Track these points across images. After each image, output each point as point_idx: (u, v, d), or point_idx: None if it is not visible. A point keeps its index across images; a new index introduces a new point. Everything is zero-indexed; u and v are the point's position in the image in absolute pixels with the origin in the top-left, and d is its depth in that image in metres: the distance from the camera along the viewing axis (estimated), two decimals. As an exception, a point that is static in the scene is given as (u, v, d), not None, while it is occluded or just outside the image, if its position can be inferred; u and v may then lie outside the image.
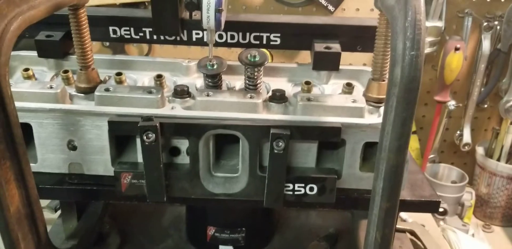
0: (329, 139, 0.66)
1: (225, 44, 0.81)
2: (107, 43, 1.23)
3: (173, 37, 0.80)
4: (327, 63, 0.78)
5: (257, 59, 0.73)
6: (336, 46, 0.78)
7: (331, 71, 0.80)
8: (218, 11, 0.65)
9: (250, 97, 0.70)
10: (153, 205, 1.00)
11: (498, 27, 1.24)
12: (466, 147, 1.38)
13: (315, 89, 0.79)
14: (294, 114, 0.70)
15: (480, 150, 1.38)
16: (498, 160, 1.33)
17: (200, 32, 0.79)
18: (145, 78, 0.80)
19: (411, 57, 0.48)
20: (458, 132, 1.39)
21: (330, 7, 1.19)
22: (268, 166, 0.65)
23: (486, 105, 1.37)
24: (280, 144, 0.64)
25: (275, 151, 0.64)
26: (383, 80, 0.73)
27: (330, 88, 0.79)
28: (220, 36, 0.81)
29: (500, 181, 1.32)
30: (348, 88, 0.75)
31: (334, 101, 0.70)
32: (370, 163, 0.71)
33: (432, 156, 1.40)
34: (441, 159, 1.45)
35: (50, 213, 0.98)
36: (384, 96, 0.73)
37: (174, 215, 0.99)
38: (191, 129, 0.65)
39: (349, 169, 0.69)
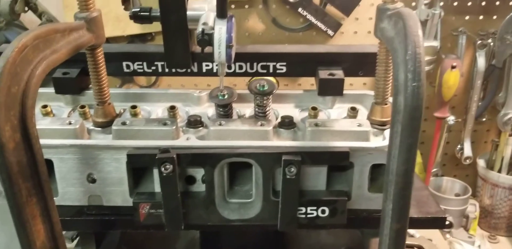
0: (338, 162, 0.69)
1: (234, 74, 0.85)
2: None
3: (184, 70, 0.84)
4: (331, 89, 0.82)
5: (265, 88, 0.76)
6: (339, 73, 0.82)
7: (335, 96, 0.84)
8: (228, 47, 0.69)
9: (261, 125, 0.73)
10: (168, 231, 1.03)
11: (492, 44, 1.28)
12: (468, 160, 1.41)
13: (321, 114, 0.82)
14: (303, 139, 0.73)
15: (481, 162, 1.41)
16: (499, 171, 1.36)
17: (210, 63, 0.83)
18: (159, 110, 0.83)
19: (413, 88, 0.51)
20: (459, 146, 1.42)
21: (330, 32, 1.24)
22: (281, 190, 0.69)
23: (484, 119, 1.40)
24: (292, 169, 0.67)
25: (288, 176, 0.67)
26: (386, 104, 0.76)
27: (335, 113, 0.83)
28: (229, 67, 0.84)
29: (503, 192, 1.35)
30: (353, 112, 0.79)
31: (341, 125, 0.73)
32: (378, 183, 0.74)
33: (435, 169, 1.43)
34: (444, 172, 1.48)
35: (67, 243, 1.01)
36: (388, 119, 0.77)
37: (188, 239, 1.01)
38: (207, 159, 0.68)
39: (358, 190, 0.72)
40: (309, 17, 1.20)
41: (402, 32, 0.55)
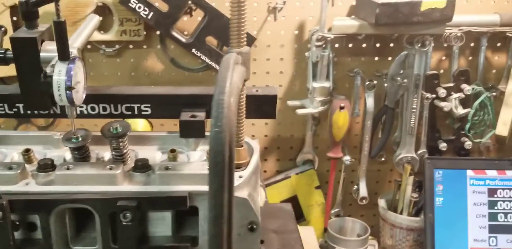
0: (177, 207, 0.68)
1: (98, 116, 0.83)
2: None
3: (47, 111, 0.82)
4: (192, 131, 0.81)
5: (119, 130, 0.75)
6: (201, 115, 0.82)
7: (198, 138, 0.83)
8: (68, 89, 0.68)
9: (110, 169, 0.71)
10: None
11: (386, 84, 1.31)
12: (364, 201, 1.41)
13: (182, 156, 0.82)
14: (154, 183, 0.72)
15: (381, 202, 1.41)
16: (401, 211, 1.37)
17: (72, 105, 0.82)
18: (15, 153, 0.81)
19: (215, 134, 0.51)
20: (355, 186, 1.42)
21: (226, 72, 1.25)
22: (118, 238, 0.66)
23: (383, 159, 1.42)
24: (128, 215, 0.65)
25: (123, 223, 0.65)
26: (242, 146, 0.76)
27: (198, 155, 0.82)
28: (93, 108, 0.83)
29: (401, 233, 1.35)
30: (211, 155, 0.78)
31: (191, 169, 0.72)
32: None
33: (336, 210, 1.43)
34: (350, 212, 1.48)
35: None
36: (243, 162, 0.77)
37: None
38: (40, 205, 0.66)
39: (205, 236, 0.71)
40: (204, 58, 1.22)
41: (218, 79, 0.55)
